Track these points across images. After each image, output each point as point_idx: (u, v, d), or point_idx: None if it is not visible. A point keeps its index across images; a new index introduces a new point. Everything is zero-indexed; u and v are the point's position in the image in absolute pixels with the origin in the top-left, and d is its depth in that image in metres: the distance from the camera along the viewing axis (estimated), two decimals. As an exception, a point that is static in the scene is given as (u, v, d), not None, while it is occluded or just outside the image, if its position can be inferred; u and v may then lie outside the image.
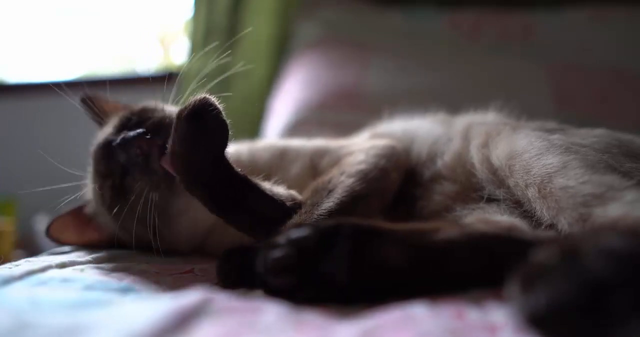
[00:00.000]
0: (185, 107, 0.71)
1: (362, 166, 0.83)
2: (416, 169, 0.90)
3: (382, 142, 0.92)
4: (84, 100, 0.99)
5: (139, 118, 0.86)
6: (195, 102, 0.71)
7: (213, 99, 0.72)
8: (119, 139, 0.81)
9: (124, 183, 0.82)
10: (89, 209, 0.94)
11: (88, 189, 0.93)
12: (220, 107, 0.72)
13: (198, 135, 0.71)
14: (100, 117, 0.98)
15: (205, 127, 0.71)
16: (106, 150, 0.85)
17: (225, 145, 0.73)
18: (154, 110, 0.88)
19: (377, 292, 0.55)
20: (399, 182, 0.88)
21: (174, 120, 0.72)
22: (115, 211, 0.82)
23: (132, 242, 0.81)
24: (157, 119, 0.84)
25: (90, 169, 0.93)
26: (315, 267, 0.54)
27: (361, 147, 0.92)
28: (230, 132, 0.73)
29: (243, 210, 0.74)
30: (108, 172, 0.85)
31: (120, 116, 0.90)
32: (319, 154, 0.95)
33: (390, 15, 1.97)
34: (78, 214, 0.95)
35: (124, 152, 0.80)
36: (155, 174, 0.79)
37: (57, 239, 0.94)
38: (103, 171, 0.86)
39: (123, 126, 0.87)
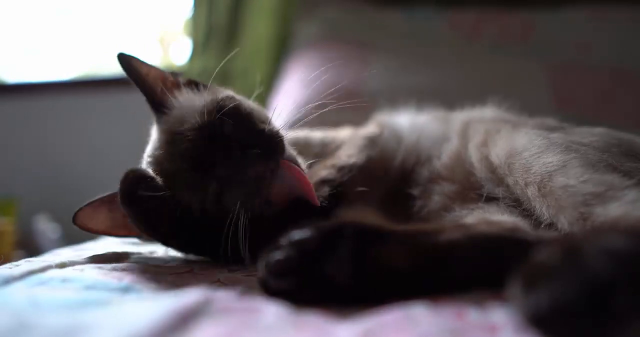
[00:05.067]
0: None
1: (352, 160, 0.87)
2: (415, 169, 0.90)
3: (368, 131, 0.97)
4: (121, 58, 0.86)
5: (236, 124, 0.77)
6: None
7: None
8: (234, 157, 0.73)
9: (216, 198, 0.75)
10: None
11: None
12: None
13: None
14: (138, 79, 0.86)
15: None
16: (199, 158, 0.75)
17: None
18: (250, 116, 0.81)
19: (379, 293, 0.55)
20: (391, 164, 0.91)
21: None
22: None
23: (181, 247, 0.83)
24: (268, 136, 0.77)
25: (152, 160, 0.83)
26: (317, 269, 0.54)
27: (350, 139, 0.95)
28: None
29: None
30: (196, 181, 0.75)
31: (203, 112, 0.79)
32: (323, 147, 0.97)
33: (390, 15, 1.97)
34: (114, 199, 0.81)
35: (233, 170, 0.73)
36: (259, 197, 0.74)
37: (84, 225, 0.83)
38: (188, 179, 0.76)
39: (213, 129, 0.77)
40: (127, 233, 0.86)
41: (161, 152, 0.81)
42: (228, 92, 0.89)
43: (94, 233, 0.88)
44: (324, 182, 0.83)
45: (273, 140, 0.77)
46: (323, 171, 0.85)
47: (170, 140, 0.80)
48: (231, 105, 0.79)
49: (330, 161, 0.89)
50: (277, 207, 0.76)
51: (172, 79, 0.90)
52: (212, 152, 0.75)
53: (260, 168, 0.73)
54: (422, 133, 0.96)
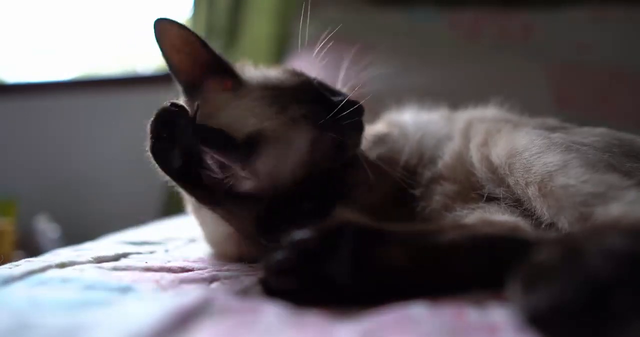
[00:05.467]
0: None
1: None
2: (418, 170, 0.90)
3: (377, 130, 0.99)
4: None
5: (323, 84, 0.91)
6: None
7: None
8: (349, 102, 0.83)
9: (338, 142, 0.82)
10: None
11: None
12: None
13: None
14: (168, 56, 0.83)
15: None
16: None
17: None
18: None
19: (379, 293, 0.55)
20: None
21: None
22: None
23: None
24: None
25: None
26: (317, 269, 0.54)
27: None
28: None
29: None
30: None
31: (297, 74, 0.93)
32: None
33: (390, 15, 1.97)
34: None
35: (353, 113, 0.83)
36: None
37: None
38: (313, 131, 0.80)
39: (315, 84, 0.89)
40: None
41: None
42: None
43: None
44: None
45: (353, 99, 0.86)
46: None
47: (276, 95, 0.82)
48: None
49: None
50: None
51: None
52: (328, 101, 0.84)
53: (363, 109, 0.85)
54: (425, 131, 0.96)
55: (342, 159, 0.81)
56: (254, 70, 0.89)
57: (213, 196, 0.75)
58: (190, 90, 0.84)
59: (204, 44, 0.82)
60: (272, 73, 0.89)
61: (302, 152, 0.77)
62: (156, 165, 0.72)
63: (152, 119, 0.70)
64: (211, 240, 0.90)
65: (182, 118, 0.69)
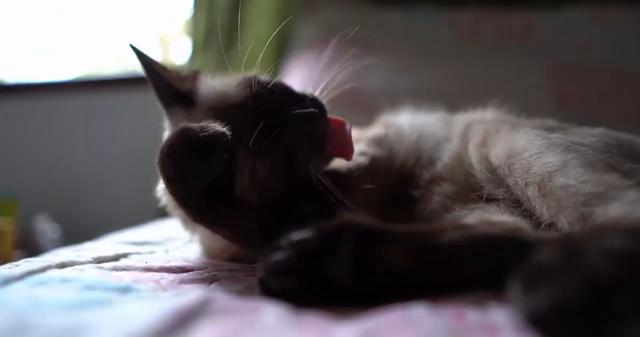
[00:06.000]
0: (197, 130, 0.64)
1: (360, 159, 0.87)
2: (416, 171, 0.90)
3: (374, 132, 0.98)
4: (138, 53, 0.88)
5: (282, 92, 0.83)
6: (211, 131, 0.64)
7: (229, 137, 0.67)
8: (299, 115, 0.76)
9: (286, 160, 0.76)
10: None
11: None
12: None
13: (194, 163, 0.66)
14: (158, 72, 0.87)
15: (206, 161, 0.66)
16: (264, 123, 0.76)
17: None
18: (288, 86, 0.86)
19: (379, 294, 0.55)
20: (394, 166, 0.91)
21: (177, 131, 0.66)
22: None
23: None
24: (312, 98, 0.84)
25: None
26: (317, 269, 0.54)
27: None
28: None
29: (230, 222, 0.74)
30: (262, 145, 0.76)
31: (247, 86, 0.82)
32: None
33: (390, 15, 1.97)
34: None
35: (305, 127, 0.77)
36: (324, 152, 0.80)
37: None
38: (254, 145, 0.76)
39: (265, 98, 0.80)
40: None
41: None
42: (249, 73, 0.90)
43: None
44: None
45: (318, 101, 0.82)
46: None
47: (220, 115, 0.76)
48: (274, 79, 0.85)
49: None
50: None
51: (184, 73, 0.92)
52: (274, 116, 0.76)
53: (322, 123, 0.77)
54: (422, 133, 0.95)
55: (302, 174, 0.75)
56: (211, 83, 0.86)
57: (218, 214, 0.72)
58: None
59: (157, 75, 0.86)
60: (225, 86, 0.84)
61: (257, 174, 0.73)
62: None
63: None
64: (207, 252, 0.91)
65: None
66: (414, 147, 0.93)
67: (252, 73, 0.87)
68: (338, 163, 0.86)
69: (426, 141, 0.94)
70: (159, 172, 0.68)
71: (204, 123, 0.67)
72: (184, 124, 0.68)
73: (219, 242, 0.83)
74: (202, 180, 0.66)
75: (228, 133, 0.66)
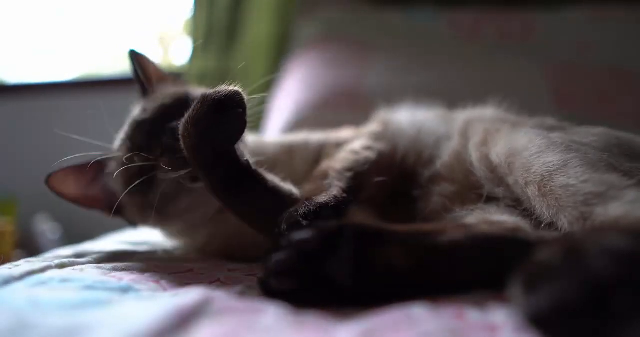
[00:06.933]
0: (215, 93, 0.70)
1: (354, 156, 0.87)
2: (416, 170, 0.90)
3: (371, 129, 0.98)
4: (132, 55, 0.96)
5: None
6: (226, 91, 0.70)
7: (244, 95, 0.72)
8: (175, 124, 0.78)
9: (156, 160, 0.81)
10: (107, 169, 0.92)
11: (113, 154, 0.92)
12: (247, 105, 0.72)
13: (216, 122, 0.70)
14: (142, 79, 0.96)
15: (226, 118, 0.70)
16: (149, 127, 0.87)
17: (237, 141, 0.73)
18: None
19: (379, 294, 0.55)
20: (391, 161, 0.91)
21: (198, 99, 0.71)
22: (136, 182, 0.81)
23: (133, 213, 0.88)
24: None
25: (122, 136, 0.95)
26: (318, 270, 0.54)
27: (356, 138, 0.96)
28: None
29: (247, 201, 0.74)
30: (144, 146, 0.84)
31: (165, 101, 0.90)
32: (323, 149, 0.97)
33: (390, 15, 1.97)
34: (85, 170, 0.92)
35: (171, 137, 0.78)
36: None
37: (56, 189, 0.91)
38: (139, 144, 0.86)
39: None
40: (92, 205, 0.95)
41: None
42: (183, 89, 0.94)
43: (64, 199, 0.93)
44: (346, 169, 0.83)
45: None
46: (337, 164, 0.85)
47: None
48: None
49: (342, 155, 0.88)
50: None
51: (162, 75, 0.99)
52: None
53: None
54: (421, 129, 0.95)
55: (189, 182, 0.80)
56: (166, 90, 0.93)
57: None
58: None
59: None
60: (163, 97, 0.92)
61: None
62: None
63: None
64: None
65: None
66: (414, 142, 0.93)
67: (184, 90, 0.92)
68: (343, 155, 0.87)
69: (427, 137, 0.93)
70: (182, 145, 0.72)
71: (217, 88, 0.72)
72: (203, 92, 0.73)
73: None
74: (228, 141, 0.71)
75: (241, 90, 0.72)
